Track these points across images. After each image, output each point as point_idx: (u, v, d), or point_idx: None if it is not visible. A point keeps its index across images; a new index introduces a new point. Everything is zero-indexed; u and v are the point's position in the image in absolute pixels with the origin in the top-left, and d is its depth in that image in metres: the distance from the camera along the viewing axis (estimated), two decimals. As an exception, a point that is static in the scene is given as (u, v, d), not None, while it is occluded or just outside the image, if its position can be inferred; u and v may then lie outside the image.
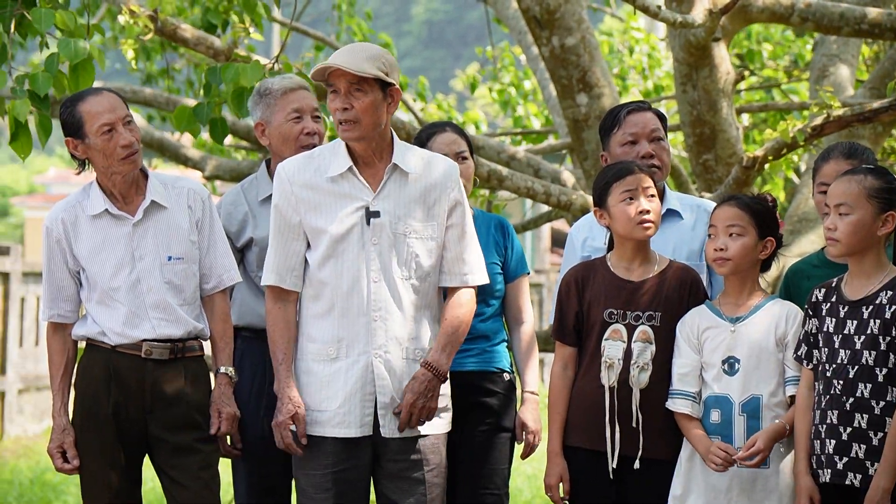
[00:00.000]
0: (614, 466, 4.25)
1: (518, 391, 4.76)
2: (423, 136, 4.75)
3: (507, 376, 4.71)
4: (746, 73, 9.89)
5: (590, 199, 4.67)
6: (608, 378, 4.26)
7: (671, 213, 4.56)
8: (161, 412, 4.46)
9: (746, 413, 4.16)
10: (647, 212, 4.29)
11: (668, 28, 6.87)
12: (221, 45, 6.35)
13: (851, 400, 3.95)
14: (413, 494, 4.24)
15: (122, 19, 5.84)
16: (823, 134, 5.44)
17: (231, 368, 4.56)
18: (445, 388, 4.30)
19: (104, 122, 4.40)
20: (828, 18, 6.28)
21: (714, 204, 4.49)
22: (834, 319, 4.04)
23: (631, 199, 4.29)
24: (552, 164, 8.39)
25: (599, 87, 6.69)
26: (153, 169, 4.81)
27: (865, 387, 3.94)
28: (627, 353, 4.26)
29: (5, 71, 4.95)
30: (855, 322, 3.99)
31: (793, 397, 4.13)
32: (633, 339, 4.27)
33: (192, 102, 5.58)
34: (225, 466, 4.63)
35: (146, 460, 4.55)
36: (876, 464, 3.90)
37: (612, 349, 4.27)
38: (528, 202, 11.66)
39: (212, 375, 4.60)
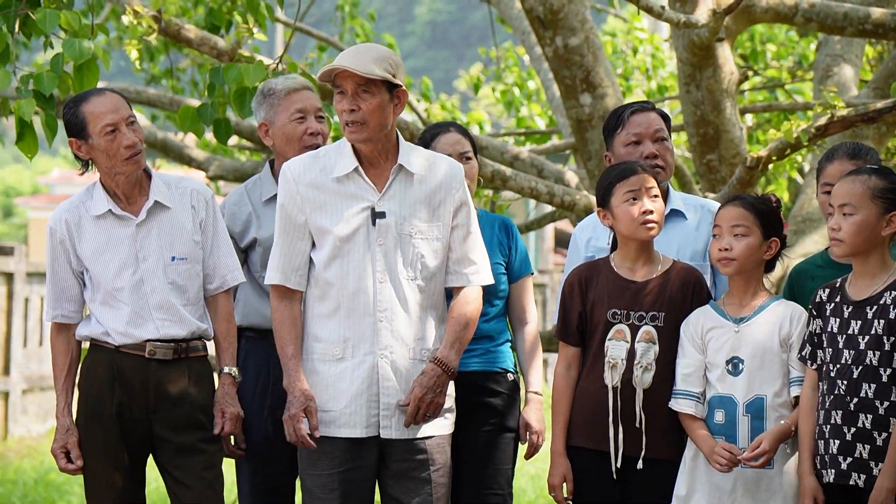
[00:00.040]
0: (618, 466, 4.25)
1: (522, 391, 4.76)
2: (427, 137, 4.75)
3: (510, 376, 4.71)
4: (750, 73, 9.89)
5: (593, 199, 4.66)
6: (611, 378, 4.26)
7: (675, 214, 4.56)
8: (165, 412, 4.46)
9: (750, 413, 4.16)
10: (651, 212, 4.28)
11: (672, 28, 6.87)
12: (225, 45, 6.35)
13: (855, 400, 3.95)
14: (419, 494, 4.24)
15: (125, 20, 5.84)
16: (827, 134, 5.43)
17: (235, 368, 4.56)
18: (450, 389, 4.29)
19: (107, 123, 4.40)
20: (831, 18, 6.27)
21: (718, 204, 4.49)
22: (838, 320, 4.04)
23: (634, 199, 4.29)
24: (556, 164, 8.39)
25: (603, 87, 6.69)
26: (156, 169, 4.81)
27: (869, 387, 3.94)
28: (631, 354, 4.26)
29: (10, 71, 4.96)
30: (859, 322, 3.99)
31: (797, 398, 4.13)
32: (637, 340, 4.27)
33: (196, 103, 5.58)
34: (228, 466, 4.63)
35: (150, 460, 4.55)
36: (880, 464, 3.90)
37: (615, 349, 4.27)
38: (532, 202, 11.66)
39: (215, 375, 4.60)
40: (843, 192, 4.04)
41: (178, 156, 9.01)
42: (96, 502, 4.49)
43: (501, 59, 11.49)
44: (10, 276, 13.65)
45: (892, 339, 3.92)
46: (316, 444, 4.20)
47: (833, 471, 3.97)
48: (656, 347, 4.27)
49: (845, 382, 3.97)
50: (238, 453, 4.64)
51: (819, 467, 4.02)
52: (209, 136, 9.62)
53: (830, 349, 4.03)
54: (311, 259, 4.28)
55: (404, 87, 4.25)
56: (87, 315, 4.57)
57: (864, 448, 3.93)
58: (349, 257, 4.22)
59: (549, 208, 8.65)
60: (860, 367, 3.95)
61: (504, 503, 4.62)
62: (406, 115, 9.65)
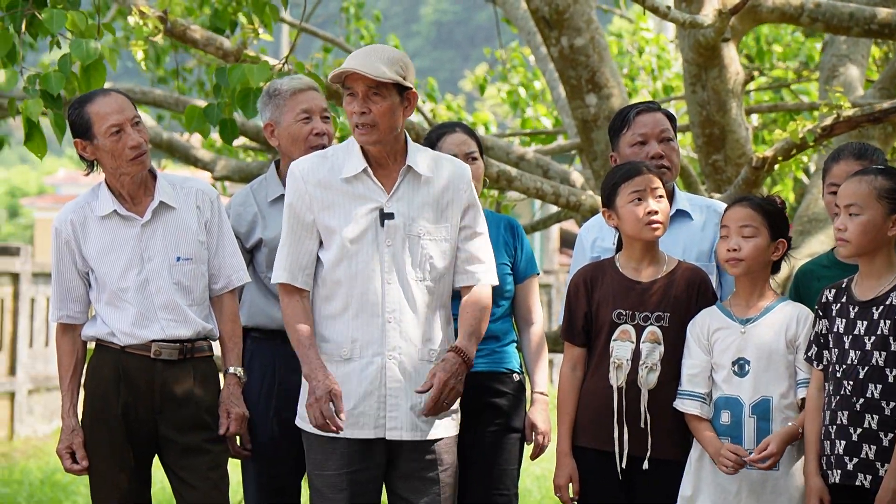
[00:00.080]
0: (623, 467, 4.25)
1: (528, 392, 4.76)
2: (433, 137, 4.75)
3: (516, 377, 4.71)
4: (756, 73, 9.88)
5: (598, 199, 4.66)
6: (617, 379, 4.26)
7: (681, 214, 4.56)
8: (170, 413, 4.46)
9: (756, 415, 4.16)
10: (656, 213, 4.28)
11: (678, 28, 6.87)
12: (231, 46, 6.36)
13: (861, 401, 3.94)
14: (427, 494, 4.24)
15: (131, 20, 5.84)
16: (833, 134, 5.43)
17: (240, 369, 4.57)
18: (456, 390, 4.29)
19: (112, 124, 4.40)
20: (837, 19, 6.27)
21: (724, 205, 4.49)
22: (844, 320, 4.03)
23: (639, 199, 4.29)
24: (561, 164, 8.39)
25: (608, 87, 6.69)
26: (162, 170, 4.82)
27: (876, 387, 3.93)
28: (636, 354, 4.26)
29: (17, 71, 4.97)
30: (865, 323, 3.99)
31: (804, 400, 4.12)
32: (642, 340, 4.27)
33: (202, 103, 5.58)
34: (234, 467, 4.64)
35: (155, 461, 4.56)
36: (886, 465, 3.89)
37: (620, 350, 4.27)
38: (537, 203, 11.66)
39: (221, 376, 4.60)
40: (849, 193, 4.04)
41: (183, 156, 9.02)
42: (102, 502, 4.50)
43: (507, 60, 11.48)
44: (15, 277, 13.67)
45: (899, 339, 3.92)
46: (336, 431, 4.15)
47: (839, 471, 3.97)
48: (661, 348, 4.26)
49: (851, 383, 3.97)
50: (244, 454, 4.64)
51: (825, 468, 4.02)
52: (215, 136, 9.62)
53: (836, 350, 4.03)
54: (318, 259, 4.28)
55: (415, 90, 4.24)
56: (93, 315, 4.58)
57: (870, 449, 3.92)
58: (357, 258, 4.22)
59: (554, 209, 8.64)
60: (866, 368, 3.95)
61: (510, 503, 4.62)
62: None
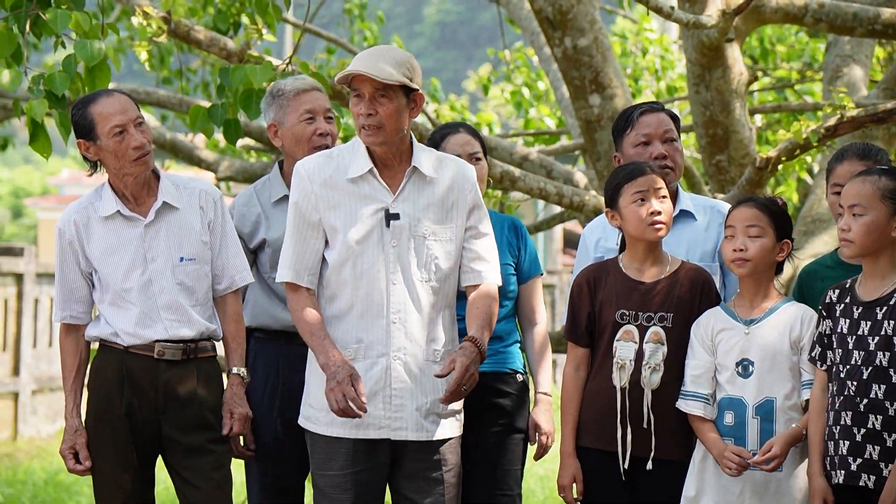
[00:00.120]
0: (626, 467, 4.25)
1: (531, 392, 4.76)
2: (437, 137, 4.75)
3: (520, 377, 4.71)
4: (760, 73, 9.87)
5: (602, 200, 4.66)
6: (620, 379, 4.26)
7: (684, 214, 4.55)
8: (174, 413, 4.46)
9: (760, 416, 4.15)
10: (659, 213, 4.28)
11: (681, 29, 6.86)
12: (234, 46, 6.36)
13: (865, 401, 3.94)
14: (432, 494, 4.24)
15: (135, 21, 5.85)
16: (837, 135, 5.42)
17: (243, 369, 4.57)
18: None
19: (116, 124, 4.41)
20: (841, 19, 6.26)
21: (727, 205, 4.48)
22: (848, 320, 4.03)
23: (642, 200, 4.29)
24: (565, 164, 8.38)
25: (612, 87, 6.68)
26: (166, 170, 4.82)
27: (879, 388, 3.93)
28: (639, 354, 4.26)
29: (21, 71, 4.97)
30: (869, 323, 3.99)
31: (809, 402, 4.12)
32: (645, 340, 4.27)
33: (205, 104, 5.58)
34: (238, 467, 4.64)
35: (159, 461, 4.56)
36: (890, 465, 3.89)
37: (623, 350, 4.27)
38: (541, 203, 11.66)
39: (224, 376, 4.60)
40: (853, 193, 4.03)
41: (187, 157, 9.02)
42: (105, 503, 4.50)
43: (510, 60, 11.49)
44: (19, 277, 13.68)
45: (902, 340, 3.92)
46: (333, 441, 4.17)
47: (843, 472, 3.97)
48: (664, 348, 4.26)
49: (855, 383, 3.96)
50: (248, 454, 4.64)
51: (828, 468, 4.01)
52: (218, 136, 9.62)
53: (840, 350, 4.02)
54: (323, 258, 4.27)
55: (421, 92, 4.24)
56: (97, 316, 4.58)
57: (873, 449, 3.92)
58: (362, 259, 4.21)
59: (557, 209, 8.65)
60: (870, 368, 3.95)
61: (513, 504, 4.62)
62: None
